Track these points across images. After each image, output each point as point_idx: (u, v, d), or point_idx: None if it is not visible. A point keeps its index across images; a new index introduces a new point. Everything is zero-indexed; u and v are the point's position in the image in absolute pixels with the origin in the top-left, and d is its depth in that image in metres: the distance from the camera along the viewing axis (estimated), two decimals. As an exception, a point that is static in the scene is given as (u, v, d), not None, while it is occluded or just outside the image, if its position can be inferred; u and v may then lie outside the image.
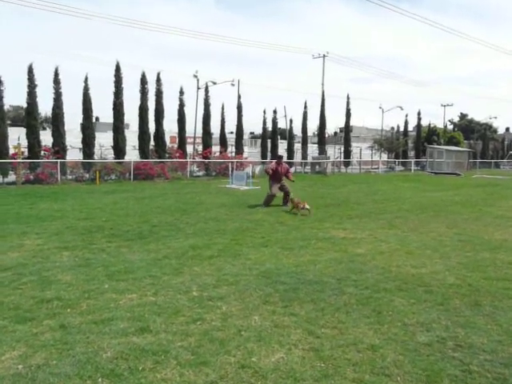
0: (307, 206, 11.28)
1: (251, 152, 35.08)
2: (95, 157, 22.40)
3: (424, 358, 3.59)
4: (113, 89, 22.85)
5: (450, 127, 65.18)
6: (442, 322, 4.35)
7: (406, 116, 43.48)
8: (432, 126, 49.97)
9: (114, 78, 22.89)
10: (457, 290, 5.37)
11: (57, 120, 21.01)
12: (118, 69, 22.87)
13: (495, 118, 70.48)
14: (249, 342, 3.81)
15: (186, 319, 4.30)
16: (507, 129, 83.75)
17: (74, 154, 22.58)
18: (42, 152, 20.56)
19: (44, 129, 36.98)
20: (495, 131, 71.95)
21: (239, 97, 29.65)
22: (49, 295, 4.88)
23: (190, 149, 27.63)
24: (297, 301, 4.87)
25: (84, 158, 21.59)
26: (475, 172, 38.76)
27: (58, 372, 3.23)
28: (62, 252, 6.94)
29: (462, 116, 75.98)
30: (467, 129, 65.00)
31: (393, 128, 46.18)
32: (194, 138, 28.99)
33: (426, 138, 46.00)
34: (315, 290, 5.27)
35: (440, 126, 53.57)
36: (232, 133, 31.79)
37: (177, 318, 4.31)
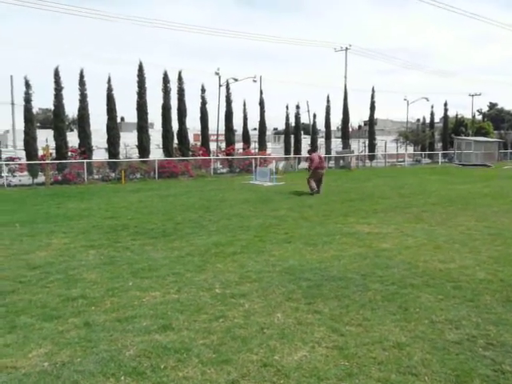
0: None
1: (274, 148, 34.99)
2: (120, 156, 22.74)
3: (453, 357, 3.46)
4: (136, 89, 23.14)
5: (479, 117, 63.24)
6: (472, 319, 4.20)
7: (432, 107, 42.30)
8: (459, 116, 48.66)
9: (137, 78, 23.14)
10: (487, 286, 5.18)
11: (83, 121, 21.41)
12: (140, 69, 23.10)
13: (526, 106, 68.04)
14: (271, 340, 3.76)
15: (208, 317, 4.28)
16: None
17: (100, 154, 23.00)
18: (69, 153, 21.01)
19: (71, 130, 37.78)
20: (527, 120, 69.50)
21: (261, 93, 29.53)
22: (74, 293, 4.95)
23: (213, 146, 27.74)
24: (320, 297, 4.79)
25: (109, 158, 21.94)
26: (506, 163, 37.57)
27: (82, 369, 3.26)
28: (87, 250, 7.05)
29: (492, 105, 73.78)
30: (497, 118, 62.96)
31: (418, 120, 45.22)
32: (217, 135, 29.07)
33: (454, 129, 44.80)
34: (339, 286, 5.17)
35: (468, 116, 52.15)
36: (255, 129, 31.69)
37: (199, 316, 4.30)
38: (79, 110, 21.51)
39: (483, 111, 72.00)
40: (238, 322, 4.14)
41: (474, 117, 53.89)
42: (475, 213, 10.57)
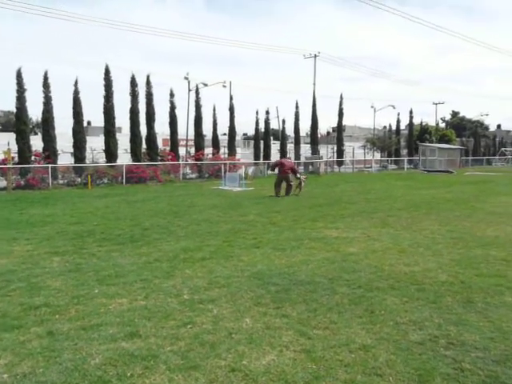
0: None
1: (244, 153, 35.04)
2: (87, 161, 22.29)
3: (416, 357, 3.56)
4: (103, 92, 22.76)
5: (442, 125, 65.46)
6: (434, 320, 4.33)
7: (398, 115, 43.52)
8: (424, 124, 50.24)
9: (103, 82, 22.80)
10: (449, 288, 5.35)
11: (47, 124, 20.87)
12: (107, 72, 22.78)
13: (486, 115, 70.73)
14: (240, 345, 3.76)
15: (176, 323, 4.24)
16: (498, 126, 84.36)
17: (65, 159, 22.47)
18: (33, 157, 20.40)
19: (35, 134, 36.71)
20: (487, 128, 72.38)
21: (231, 98, 29.62)
22: (37, 302, 4.80)
23: (182, 151, 27.56)
24: (288, 302, 4.83)
25: (75, 163, 21.47)
26: (467, 169, 38.98)
27: (44, 380, 3.17)
28: (52, 257, 6.85)
29: (454, 114, 76.39)
30: (459, 126, 65.28)
31: (385, 127, 46.34)
32: (187, 140, 28.90)
33: (419, 136, 46.23)
34: (307, 290, 5.23)
35: (432, 124, 53.85)
36: (225, 134, 31.75)
37: (167, 322, 4.26)
38: (43, 113, 20.97)
39: (446, 119, 74.55)
40: (207, 328, 4.12)
41: (437, 124, 55.67)
42: (438, 217, 10.91)
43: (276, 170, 16.95)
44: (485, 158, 52.04)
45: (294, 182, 16.60)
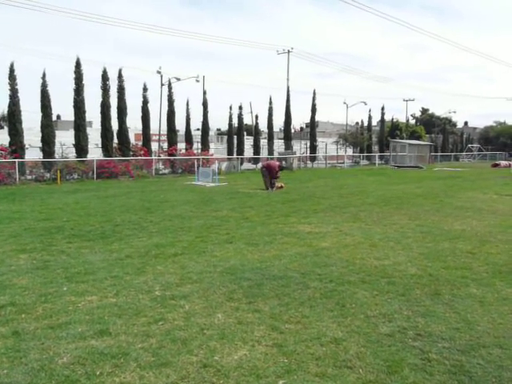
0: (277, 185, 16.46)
1: (217, 148, 34.93)
2: (56, 156, 21.70)
3: (385, 349, 3.63)
4: (73, 85, 22.22)
5: (412, 122, 66.77)
6: (403, 313, 4.42)
7: (370, 111, 44.18)
8: (395, 120, 51.14)
9: (74, 75, 22.24)
10: (418, 281, 5.48)
11: (13, 118, 20.18)
12: (78, 65, 22.25)
13: (454, 112, 72.64)
14: (211, 341, 3.75)
15: (147, 320, 4.19)
16: (466, 123, 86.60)
17: (33, 154, 21.81)
18: (-1, 152, 19.73)
19: (1, 127, 35.53)
20: (454, 125, 74.22)
21: (204, 93, 29.40)
22: (2, 301, 4.65)
23: (155, 146, 27.21)
24: (261, 297, 4.84)
25: (44, 157, 20.87)
26: (436, 165, 39.99)
27: (8, 382, 3.07)
28: (18, 255, 6.65)
29: (424, 111, 78.00)
30: (428, 123, 66.74)
31: (357, 123, 47.04)
32: (159, 135, 28.55)
33: (390, 132, 47.05)
34: (280, 285, 5.26)
35: (402, 120, 54.90)
36: (198, 129, 31.48)
37: (138, 319, 4.20)
38: (9, 106, 20.28)
39: (416, 116, 76.06)
40: (178, 324, 4.09)
41: (408, 121, 56.79)
42: (408, 212, 11.15)
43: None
44: (453, 154, 53.46)
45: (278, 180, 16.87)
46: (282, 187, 16.62)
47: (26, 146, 20.89)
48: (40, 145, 21.35)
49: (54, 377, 3.13)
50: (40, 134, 21.33)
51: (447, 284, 5.35)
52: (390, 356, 3.50)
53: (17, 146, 19.81)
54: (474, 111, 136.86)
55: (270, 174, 16.61)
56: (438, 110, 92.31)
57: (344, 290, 5.07)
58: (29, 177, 20.13)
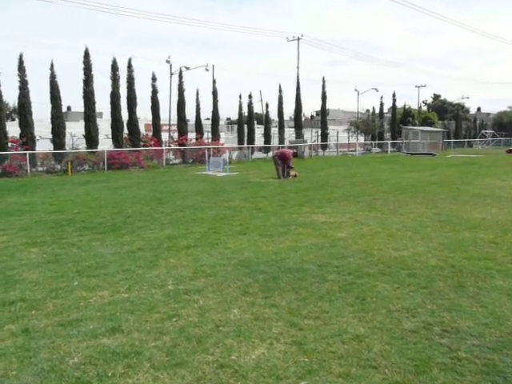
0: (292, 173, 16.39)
1: (228, 138, 34.65)
2: (66, 147, 21.65)
3: (411, 347, 3.43)
4: (82, 76, 22.08)
5: (424, 108, 65.73)
6: (427, 307, 4.22)
7: (381, 98, 43.70)
8: (407, 107, 50.32)
9: (83, 65, 22.09)
10: (440, 272, 5.26)
11: (24, 110, 20.13)
12: (86, 55, 22.06)
13: (467, 98, 71.45)
14: (228, 338, 3.59)
15: (160, 316, 4.05)
16: (478, 109, 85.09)
17: (44, 145, 21.77)
18: (10, 144, 19.72)
19: (13, 119, 35.64)
20: (467, 111, 72.95)
21: (214, 82, 29.06)
22: (12, 296, 4.54)
23: (165, 136, 27.05)
24: (277, 291, 4.67)
25: (54, 149, 20.84)
26: (450, 152, 39.34)
27: None
28: (29, 248, 6.55)
29: (435, 97, 76.74)
30: (441, 109, 65.63)
31: (368, 110, 46.37)
32: (169, 124, 28.39)
33: (402, 119, 46.31)
34: (296, 278, 5.08)
35: (414, 107, 54.02)
36: (208, 119, 31.23)
37: (151, 316, 4.06)
38: (19, 98, 20.23)
39: (428, 102, 74.87)
40: (193, 321, 3.93)
41: (420, 107, 55.89)
42: (425, 200, 10.87)
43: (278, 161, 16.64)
44: (466, 140, 52.57)
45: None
46: (295, 176, 16.39)
47: (37, 138, 20.85)
48: (50, 136, 21.30)
49: (65, 378, 3.00)
50: (50, 126, 21.27)
51: (471, 276, 5.12)
52: (417, 354, 3.31)
53: (27, 137, 19.79)
54: (486, 96, 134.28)
55: (283, 162, 16.39)
56: (450, 96, 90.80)
57: (363, 283, 4.87)
58: (40, 168, 20.14)
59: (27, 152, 19.01)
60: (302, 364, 3.19)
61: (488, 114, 79.55)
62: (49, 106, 21.23)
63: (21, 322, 3.91)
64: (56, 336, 3.63)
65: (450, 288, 4.73)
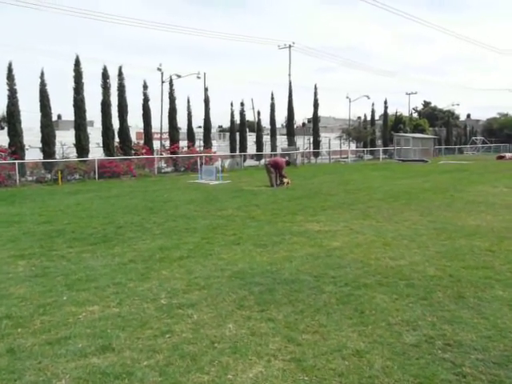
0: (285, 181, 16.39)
1: (220, 146, 34.60)
2: (57, 156, 21.40)
3: (413, 362, 3.32)
4: (73, 84, 21.90)
5: (415, 115, 66.20)
6: (427, 319, 4.11)
7: (373, 105, 43.67)
8: (398, 114, 50.63)
9: (73, 73, 21.92)
10: (438, 282, 5.16)
11: (13, 118, 19.85)
12: (77, 63, 21.90)
13: (457, 104, 72.06)
14: (223, 356, 3.45)
15: (153, 332, 3.89)
16: (468, 115, 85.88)
17: (34, 154, 21.49)
18: (-2, 153, 19.42)
19: (2, 128, 35.26)
20: (457, 118, 73.58)
21: (206, 90, 29.03)
22: (-2, 313, 4.36)
23: (156, 144, 26.88)
24: (273, 304, 4.53)
25: (44, 158, 20.57)
26: (441, 158, 39.56)
27: (1, 409, 2.79)
28: (16, 261, 6.36)
29: (426, 104, 77.26)
30: (431, 116, 66.07)
31: (359, 117, 46.53)
32: (161, 133, 28.22)
33: (393, 126, 46.55)
34: (292, 289, 4.95)
35: (406, 114, 54.36)
36: (200, 127, 31.15)
37: (143, 332, 3.90)
38: (8, 107, 19.93)
39: (418, 109, 75.44)
40: (187, 337, 3.79)
41: (411, 114, 56.25)
42: (419, 207, 10.82)
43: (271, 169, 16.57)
44: (457, 147, 52.95)
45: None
46: (288, 184, 16.35)
47: (26, 147, 20.57)
48: (40, 145, 21.04)
49: (52, 402, 2.84)
50: (40, 135, 21.02)
51: (470, 286, 5.03)
52: (420, 371, 3.19)
53: (16, 146, 19.51)
54: (475, 103, 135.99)
55: (276, 170, 16.39)
56: (440, 103, 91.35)
57: (361, 295, 4.76)
58: (29, 178, 19.84)
59: (16, 161, 18.74)
60: (301, 383, 3.06)
61: (477, 120, 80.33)
62: (38, 115, 21.00)
63: (6, 341, 3.73)
64: (43, 356, 3.46)
65: (449, 299, 4.63)
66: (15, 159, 18.90)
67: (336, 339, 3.71)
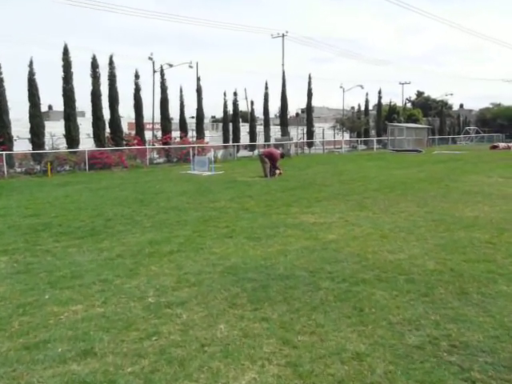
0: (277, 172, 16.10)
1: (213, 136, 34.18)
2: (46, 147, 20.94)
3: (418, 366, 3.09)
4: (62, 74, 21.38)
5: (409, 105, 65.97)
6: (430, 318, 3.89)
7: (367, 95, 43.40)
8: (392, 104, 50.39)
9: (62, 62, 21.39)
10: (439, 277, 4.95)
11: (0, 109, 19.38)
12: (66, 52, 21.37)
13: (451, 94, 71.62)
14: (214, 360, 3.20)
15: (139, 334, 3.64)
16: (461, 105, 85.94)
17: (22, 146, 21.03)
18: (-15, 144, 18.95)
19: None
20: (451, 108, 73.52)
21: (198, 79, 28.54)
22: (-26, 314, 4.09)
23: (148, 135, 26.46)
24: (267, 301, 4.29)
25: (33, 149, 20.13)
26: (434, 148, 39.46)
27: (-33, 426, 2.53)
28: (-2, 257, 6.07)
29: (419, 94, 77.04)
30: (424, 106, 65.89)
31: (353, 107, 46.21)
32: (153, 123, 27.76)
33: (387, 116, 46.34)
34: (287, 286, 4.71)
35: (399, 104, 54.13)
36: (192, 117, 30.72)
37: (128, 334, 3.65)
38: (-5, 97, 19.44)
39: (412, 99, 75.20)
40: (175, 339, 3.54)
41: (404, 104, 56.05)
42: (415, 198, 10.62)
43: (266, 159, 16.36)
44: (450, 137, 52.88)
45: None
46: (280, 174, 16.10)
47: (14, 138, 20.12)
48: (29, 136, 20.59)
49: (24, 417, 2.58)
50: (28, 125, 20.55)
51: (473, 280, 4.82)
52: (425, 376, 2.97)
53: (4, 137, 19.05)
54: (468, 93, 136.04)
55: (271, 161, 16.14)
56: (434, 93, 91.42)
57: (360, 291, 4.53)
58: (18, 170, 19.41)
59: (3, 152, 18.29)
60: (298, 391, 2.82)
61: (471, 110, 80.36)
62: (26, 105, 20.52)
63: (-20, 346, 3.47)
64: (18, 362, 3.20)
65: (452, 295, 4.42)
66: (3, 150, 18.45)
67: (334, 341, 3.48)
